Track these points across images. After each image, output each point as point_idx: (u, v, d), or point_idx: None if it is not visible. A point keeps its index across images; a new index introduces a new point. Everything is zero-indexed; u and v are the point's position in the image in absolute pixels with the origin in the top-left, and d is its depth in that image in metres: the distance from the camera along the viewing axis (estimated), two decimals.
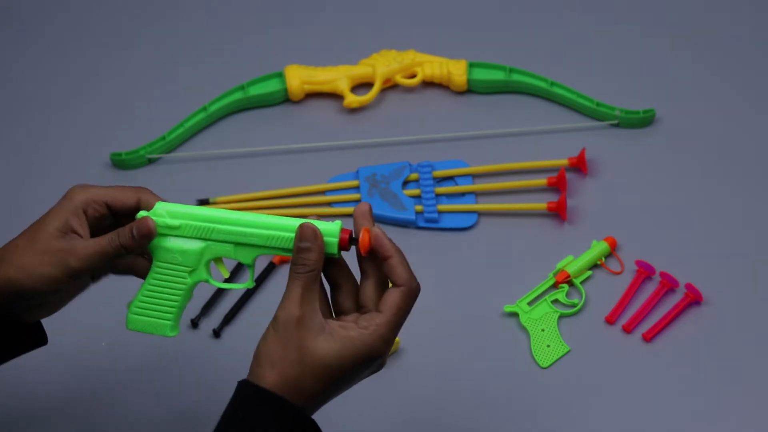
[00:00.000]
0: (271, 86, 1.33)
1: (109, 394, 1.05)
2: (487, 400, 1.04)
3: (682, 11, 1.42)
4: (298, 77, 1.33)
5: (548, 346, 1.08)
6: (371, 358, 0.81)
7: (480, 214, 1.21)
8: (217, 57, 1.41)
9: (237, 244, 0.87)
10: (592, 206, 1.20)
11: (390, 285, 0.82)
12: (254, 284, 0.91)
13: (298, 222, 0.84)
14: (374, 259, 0.83)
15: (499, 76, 1.32)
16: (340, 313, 0.84)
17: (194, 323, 1.11)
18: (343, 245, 0.83)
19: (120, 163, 1.27)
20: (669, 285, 1.11)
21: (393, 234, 1.18)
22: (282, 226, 0.85)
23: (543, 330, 1.09)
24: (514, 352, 1.08)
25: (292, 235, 0.84)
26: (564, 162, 1.23)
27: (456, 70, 1.32)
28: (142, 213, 0.86)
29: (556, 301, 1.12)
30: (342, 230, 0.83)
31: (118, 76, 1.40)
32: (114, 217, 0.88)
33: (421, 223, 1.20)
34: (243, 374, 1.06)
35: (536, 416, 1.03)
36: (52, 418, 1.03)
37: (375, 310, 0.82)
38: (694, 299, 1.10)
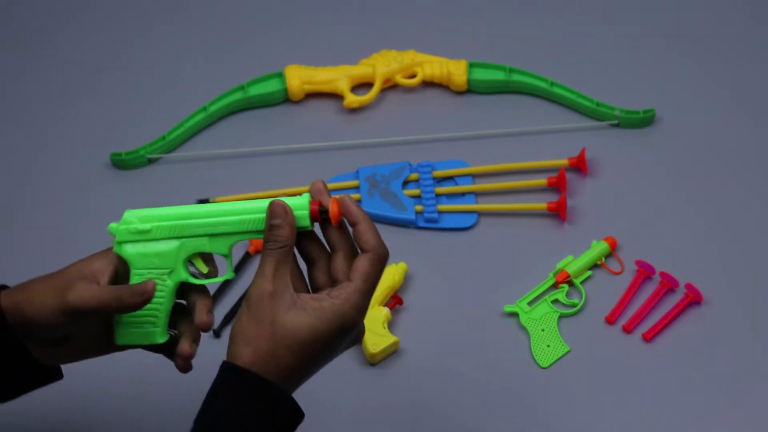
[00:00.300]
0: (271, 86, 1.33)
1: (109, 394, 1.05)
2: (487, 399, 1.04)
3: (682, 11, 1.42)
4: (298, 77, 1.33)
5: (548, 346, 1.08)
6: (346, 328, 0.80)
7: (480, 214, 1.21)
8: (217, 57, 1.41)
9: (211, 235, 0.86)
10: (592, 206, 1.20)
11: (359, 253, 0.82)
12: (234, 275, 0.91)
13: (267, 202, 0.84)
14: (342, 230, 0.83)
15: (499, 76, 1.32)
16: (317, 289, 0.83)
17: None
18: (315, 216, 0.83)
19: (120, 163, 1.27)
20: (669, 285, 1.11)
21: (393, 234, 1.19)
22: (252, 209, 0.84)
23: (543, 330, 1.09)
24: (514, 352, 1.08)
25: (264, 215, 0.83)
26: (564, 162, 1.23)
27: (456, 70, 1.32)
28: (111, 226, 0.86)
29: (556, 301, 1.12)
30: (311, 202, 0.83)
31: (118, 76, 1.40)
32: None
33: (421, 223, 1.20)
34: None
35: (536, 416, 1.03)
36: (52, 418, 1.03)
37: (346, 281, 0.81)
38: (694, 299, 1.10)
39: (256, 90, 1.33)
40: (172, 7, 1.48)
